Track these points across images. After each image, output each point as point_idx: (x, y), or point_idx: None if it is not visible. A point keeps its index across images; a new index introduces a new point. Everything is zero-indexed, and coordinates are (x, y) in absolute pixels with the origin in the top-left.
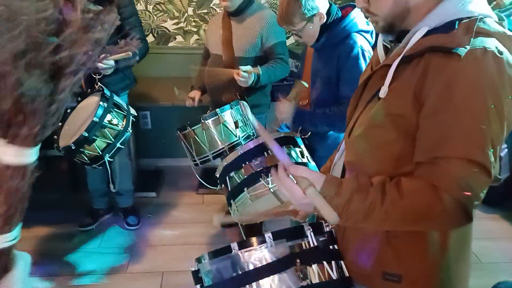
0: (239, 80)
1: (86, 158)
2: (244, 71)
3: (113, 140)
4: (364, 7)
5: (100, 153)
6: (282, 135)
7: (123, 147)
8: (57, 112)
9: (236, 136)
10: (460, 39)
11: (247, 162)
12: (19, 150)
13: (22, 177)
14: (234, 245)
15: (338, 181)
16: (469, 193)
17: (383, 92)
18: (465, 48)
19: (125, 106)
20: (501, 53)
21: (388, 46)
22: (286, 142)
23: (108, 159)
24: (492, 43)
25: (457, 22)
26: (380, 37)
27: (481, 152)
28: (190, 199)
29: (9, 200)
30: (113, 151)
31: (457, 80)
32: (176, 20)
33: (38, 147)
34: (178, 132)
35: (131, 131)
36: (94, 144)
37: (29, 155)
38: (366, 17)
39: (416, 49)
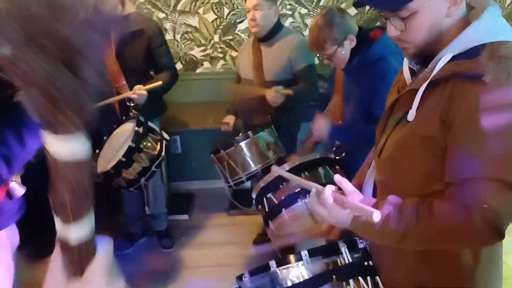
0: (270, 99)
1: (123, 182)
2: (276, 91)
3: (148, 164)
4: (396, 36)
5: (137, 176)
6: (317, 156)
7: (157, 170)
8: (84, 93)
9: (268, 158)
10: (484, 65)
11: (284, 183)
12: (65, 137)
13: (80, 170)
14: (272, 263)
15: (373, 201)
16: (498, 212)
17: (411, 116)
18: (490, 74)
19: (158, 130)
20: None
21: (414, 68)
22: (322, 162)
23: (144, 182)
24: None
25: (480, 47)
26: (406, 60)
27: (508, 172)
28: (222, 220)
29: (74, 194)
30: (148, 174)
31: (482, 104)
32: (203, 47)
33: (85, 138)
34: (212, 155)
35: (164, 154)
36: (131, 168)
37: (78, 144)
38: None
39: (442, 74)
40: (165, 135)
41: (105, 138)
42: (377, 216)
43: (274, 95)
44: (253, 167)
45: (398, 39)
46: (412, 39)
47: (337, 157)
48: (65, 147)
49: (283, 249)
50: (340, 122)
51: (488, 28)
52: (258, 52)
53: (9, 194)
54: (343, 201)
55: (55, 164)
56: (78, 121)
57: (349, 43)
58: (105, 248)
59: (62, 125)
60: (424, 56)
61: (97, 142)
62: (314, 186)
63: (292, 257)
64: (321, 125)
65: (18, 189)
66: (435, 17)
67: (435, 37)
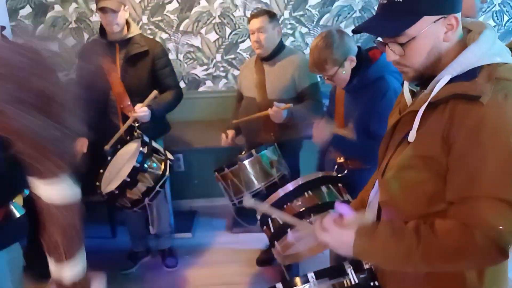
0: (272, 115)
1: (128, 202)
2: (277, 106)
3: (152, 183)
4: (395, 60)
5: (141, 196)
6: (320, 175)
7: (162, 190)
8: (65, 140)
9: (272, 176)
10: (482, 86)
11: (288, 203)
12: (51, 181)
13: (71, 213)
14: (279, 286)
15: (372, 224)
16: (500, 231)
17: (411, 136)
18: (487, 95)
19: (162, 150)
20: None
21: (414, 90)
22: (325, 181)
23: (148, 202)
24: None
25: (478, 69)
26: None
27: (509, 191)
28: (225, 238)
29: (66, 235)
30: (152, 194)
31: (481, 124)
32: (205, 66)
33: (72, 181)
34: (216, 173)
35: (168, 174)
36: (135, 188)
37: (66, 187)
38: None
39: (441, 96)
40: (169, 155)
41: (109, 158)
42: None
43: (276, 110)
44: (257, 185)
45: (397, 63)
46: (411, 63)
47: (339, 175)
48: (54, 191)
49: (287, 266)
50: None
51: (485, 51)
52: (261, 71)
53: (8, 215)
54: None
55: (46, 208)
56: (62, 165)
57: (349, 64)
58: (99, 285)
59: (47, 170)
60: (424, 79)
61: (101, 162)
62: (297, 223)
63: (298, 280)
64: (322, 129)
65: (17, 210)
66: (433, 42)
67: (434, 61)
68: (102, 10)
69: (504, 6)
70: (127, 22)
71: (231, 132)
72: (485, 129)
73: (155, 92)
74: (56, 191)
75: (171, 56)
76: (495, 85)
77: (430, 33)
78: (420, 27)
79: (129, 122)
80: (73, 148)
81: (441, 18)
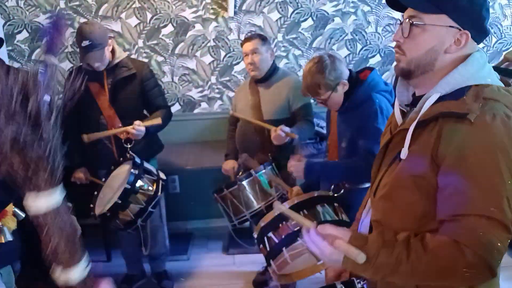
0: (274, 137)
1: (120, 224)
2: (283, 131)
3: (144, 204)
4: (398, 42)
5: (133, 217)
6: (315, 195)
7: (154, 210)
8: (56, 150)
9: (271, 195)
10: (470, 105)
11: (284, 222)
12: (49, 193)
13: (66, 215)
14: None
15: (364, 236)
16: (489, 249)
17: (404, 154)
18: (475, 113)
19: (154, 171)
20: (509, 117)
21: (405, 110)
22: (321, 201)
23: (141, 223)
24: (500, 108)
25: (466, 89)
26: (397, 102)
27: (497, 210)
28: (221, 260)
29: (63, 238)
30: (145, 215)
31: (468, 143)
32: (200, 89)
33: (61, 186)
34: (215, 194)
35: (161, 194)
36: (127, 209)
37: (57, 196)
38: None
39: (429, 114)
40: (162, 175)
41: (103, 179)
42: (362, 258)
43: (280, 133)
44: (256, 205)
45: (398, 47)
46: (409, 51)
47: (335, 195)
48: (45, 201)
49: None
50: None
51: (473, 72)
52: (255, 93)
53: None
54: (333, 240)
55: (37, 220)
56: (56, 176)
57: (342, 88)
58: (107, 286)
59: (45, 181)
60: (411, 77)
61: (95, 184)
62: (311, 225)
63: None
64: (296, 166)
65: (7, 235)
66: (435, 44)
67: (427, 63)
68: None
69: (492, 28)
70: (112, 49)
71: (235, 164)
72: (473, 148)
73: (159, 120)
74: (51, 199)
75: (167, 78)
76: (483, 105)
77: (438, 34)
78: (435, 21)
79: (122, 129)
80: (62, 158)
81: (455, 28)
